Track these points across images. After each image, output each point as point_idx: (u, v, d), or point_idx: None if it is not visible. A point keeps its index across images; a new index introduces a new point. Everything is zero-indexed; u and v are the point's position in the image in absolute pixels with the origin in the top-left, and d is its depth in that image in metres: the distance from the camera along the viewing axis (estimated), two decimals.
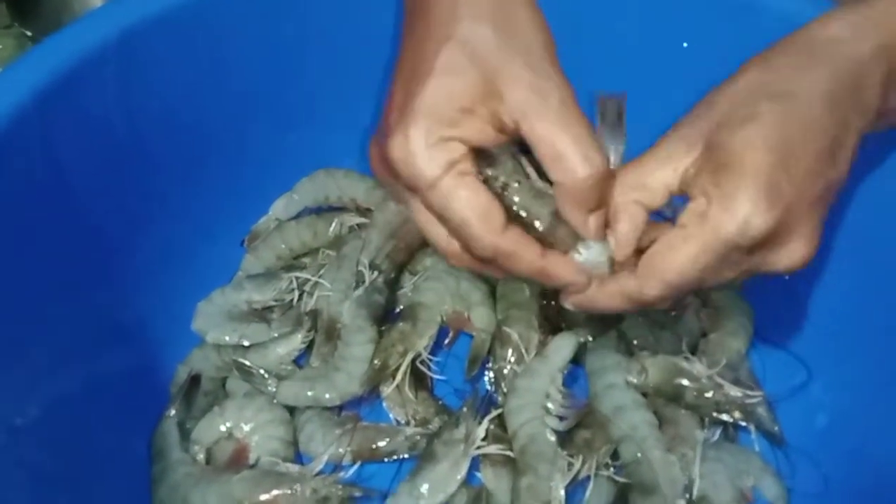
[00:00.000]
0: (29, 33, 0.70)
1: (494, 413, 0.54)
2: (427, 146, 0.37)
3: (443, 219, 0.39)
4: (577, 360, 0.57)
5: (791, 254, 0.39)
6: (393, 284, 0.60)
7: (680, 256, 0.37)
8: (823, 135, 0.38)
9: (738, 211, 0.36)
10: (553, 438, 0.51)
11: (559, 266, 0.40)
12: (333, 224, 0.64)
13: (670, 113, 0.54)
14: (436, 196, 0.37)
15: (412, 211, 0.40)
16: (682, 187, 0.39)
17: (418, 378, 0.57)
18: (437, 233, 0.40)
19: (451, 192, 0.37)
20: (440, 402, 0.57)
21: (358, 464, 0.53)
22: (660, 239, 0.38)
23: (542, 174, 0.39)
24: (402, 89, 0.39)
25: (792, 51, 0.40)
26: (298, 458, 0.55)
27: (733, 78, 0.40)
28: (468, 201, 0.37)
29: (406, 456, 0.55)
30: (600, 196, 0.39)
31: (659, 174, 0.39)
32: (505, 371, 0.56)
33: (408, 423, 0.56)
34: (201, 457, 0.54)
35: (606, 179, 0.39)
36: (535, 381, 0.54)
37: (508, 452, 0.52)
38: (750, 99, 0.38)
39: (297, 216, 0.64)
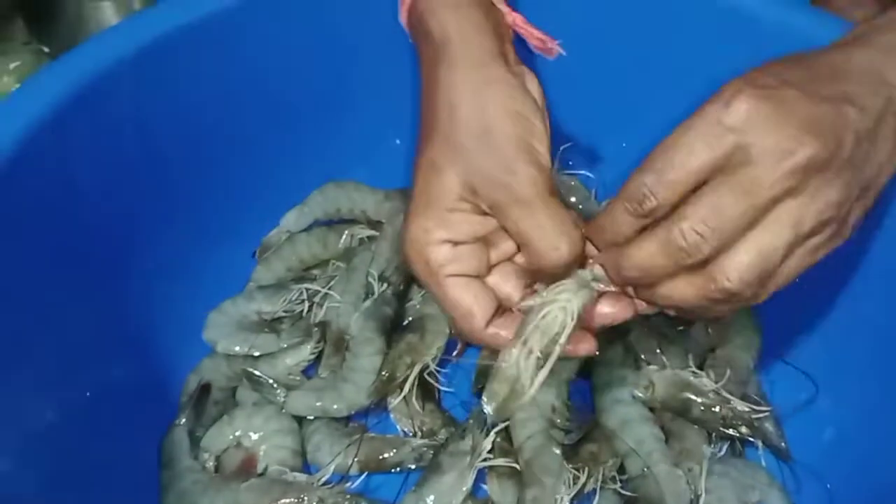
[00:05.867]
0: (46, 49, 0.71)
1: (501, 425, 0.54)
2: (418, 251, 0.41)
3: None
4: (583, 373, 0.57)
5: (854, 216, 0.39)
6: (402, 296, 0.61)
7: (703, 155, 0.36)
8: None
9: (781, 135, 0.35)
10: (559, 451, 0.52)
11: None
12: (344, 236, 0.64)
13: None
14: (431, 291, 0.42)
15: None
16: None
17: (426, 390, 0.57)
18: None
19: (439, 293, 0.41)
20: (447, 414, 0.58)
21: (364, 474, 0.54)
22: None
23: None
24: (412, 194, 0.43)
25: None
26: (306, 467, 0.55)
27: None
28: (453, 301, 0.41)
29: (413, 467, 0.55)
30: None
31: (692, 161, 0.37)
32: None
33: (415, 435, 0.56)
34: (210, 465, 0.54)
35: (580, 255, 0.41)
36: (541, 394, 0.54)
37: (514, 465, 0.52)
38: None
39: (308, 228, 0.65)
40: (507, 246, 0.43)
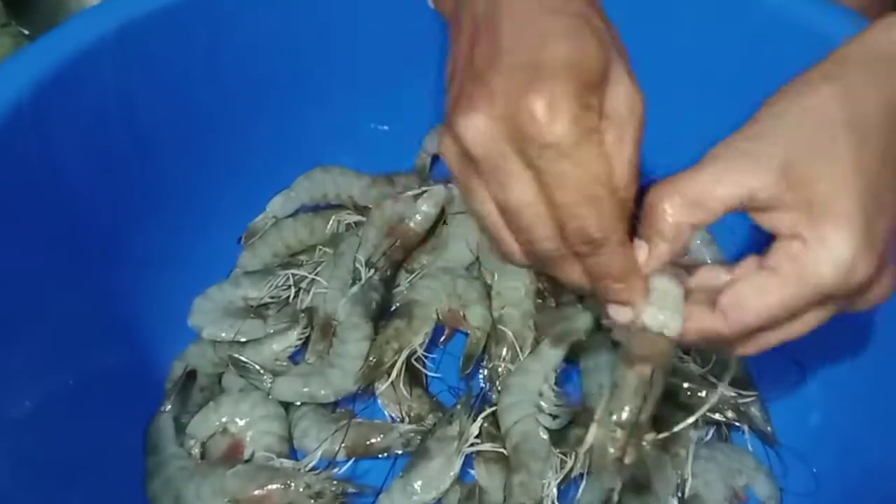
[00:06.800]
0: (26, 32, 0.70)
1: (488, 411, 0.54)
2: (572, 108, 0.33)
3: (561, 191, 0.34)
4: (571, 358, 0.57)
5: (880, 289, 0.36)
6: (389, 282, 0.60)
7: (770, 300, 0.35)
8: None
9: (841, 258, 0.34)
10: (546, 436, 0.52)
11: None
12: (330, 221, 0.64)
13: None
14: (569, 163, 0.34)
15: (494, 198, 0.37)
16: (748, 208, 0.36)
17: (413, 375, 0.58)
18: (530, 214, 0.36)
19: (590, 162, 0.34)
20: (434, 400, 0.58)
21: (352, 460, 0.54)
22: (744, 280, 0.36)
23: None
24: (524, 50, 0.35)
25: (864, 65, 0.36)
26: (293, 453, 0.55)
27: (800, 87, 0.36)
28: (605, 173, 0.35)
29: (400, 452, 0.55)
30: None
31: (719, 190, 0.35)
32: (499, 369, 0.57)
33: (402, 420, 0.56)
34: (196, 451, 0.54)
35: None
36: (528, 380, 0.54)
37: (502, 450, 0.53)
38: (826, 125, 0.35)
39: (295, 214, 0.64)
40: None
